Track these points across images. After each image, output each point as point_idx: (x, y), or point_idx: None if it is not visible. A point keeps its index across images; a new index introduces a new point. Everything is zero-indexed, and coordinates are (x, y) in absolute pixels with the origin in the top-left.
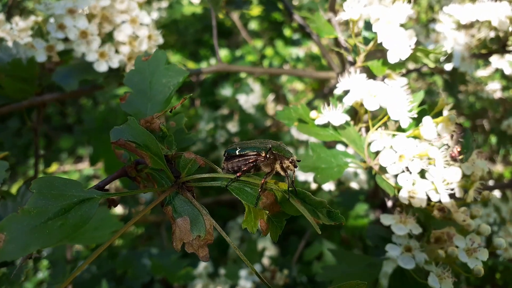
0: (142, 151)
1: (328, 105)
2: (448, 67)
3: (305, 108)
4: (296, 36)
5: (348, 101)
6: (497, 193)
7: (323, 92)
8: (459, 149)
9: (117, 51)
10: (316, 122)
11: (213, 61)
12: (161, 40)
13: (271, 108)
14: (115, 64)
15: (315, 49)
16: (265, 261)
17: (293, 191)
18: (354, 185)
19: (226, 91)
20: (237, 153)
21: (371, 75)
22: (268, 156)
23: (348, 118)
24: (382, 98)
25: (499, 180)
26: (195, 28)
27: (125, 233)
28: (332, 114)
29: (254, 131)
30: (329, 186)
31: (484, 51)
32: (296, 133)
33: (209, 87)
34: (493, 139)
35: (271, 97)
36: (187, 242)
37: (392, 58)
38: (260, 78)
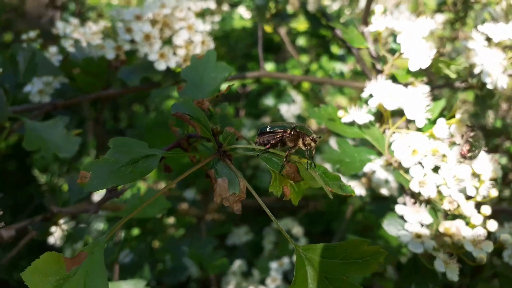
0: (194, 122)
1: (355, 106)
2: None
3: (334, 108)
4: (341, 52)
5: (372, 103)
6: None
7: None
8: (468, 148)
9: (174, 53)
10: (343, 120)
11: (260, 61)
12: (212, 45)
13: (314, 123)
14: (172, 64)
15: (359, 66)
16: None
17: (312, 164)
18: (384, 191)
19: (269, 100)
20: (268, 130)
21: (397, 83)
22: (292, 133)
23: (372, 118)
24: (399, 99)
25: None
26: (245, 42)
27: (166, 235)
28: (357, 114)
29: None
30: (360, 191)
31: None
32: (334, 144)
33: (254, 98)
34: None
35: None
36: (224, 197)
37: (412, 67)
38: (304, 93)
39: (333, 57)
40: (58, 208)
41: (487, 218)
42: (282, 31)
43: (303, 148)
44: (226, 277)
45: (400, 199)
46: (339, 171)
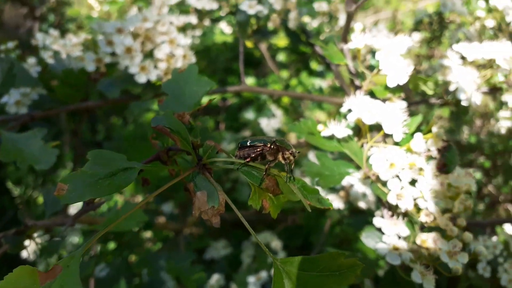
0: (174, 135)
1: (334, 120)
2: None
3: (314, 122)
4: (320, 68)
5: (351, 118)
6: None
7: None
8: (443, 162)
9: (155, 67)
10: (322, 134)
11: (241, 76)
12: (193, 59)
13: (293, 137)
14: (153, 77)
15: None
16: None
17: (292, 177)
18: (362, 204)
19: (249, 114)
20: (248, 144)
21: (376, 99)
22: (272, 146)
23: (350, 132)
24: (377, 114)
25: None
26: (225, 56)
27: (143, 249)
28: (336, 128)
29: None
30: (338, 205)
31: (490, 87)
32: (313, 158)
33: (234, 112)
34: None
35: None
36: (203, 211)
37: (391, 83)
38: (284, 107)
39: (312, 73)
40: (32, 221)
41: (462, 230)
42: (263, 46)
43: (283, 161)
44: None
45: (377, 212)
46: (319, 184)
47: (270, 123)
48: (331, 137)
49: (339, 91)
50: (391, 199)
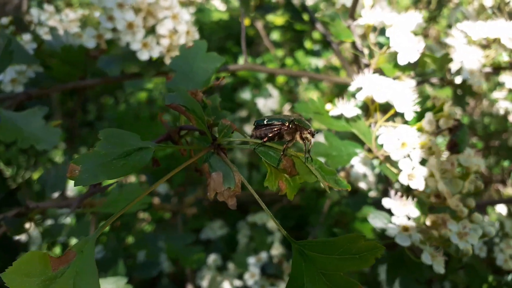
0: (190, 114)
1: (343, 99)
2: (458, 79)
3: (321, 101)
4: (316, 47)
5: (360, 96)
6: (503, 210)
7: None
8: (454, 141)
9: (158, 43)
10: (330, 114)
11: (243, 55)
12: (197, 36)
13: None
14: (155, 54)
15: (334, 61)
16: (274, 251)
17: (309, 158)
18: (362, 185)
19: (245, 94)
20: (264, 123)
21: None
22: (290, 126)
23: (359, 111)
24: (389, 92)
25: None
26: (219, 35)
27: (139, 229)
28: (345, 107)
29: None
30: None
31: (493, 66)
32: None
33: (229, 92)
34: (506, 163)
35: (287, 106)
36: (219, 192)
37: (401, 61)
38: (279, 87)
39: (307, 52)
40: (34, 203)
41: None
42: (259, 25)
43: (301, 141)
44: (200, 271)
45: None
46: (326, 164)
47: (267, 103)
48: (339, 117)
49: (335, 70)
50: (403, 179)
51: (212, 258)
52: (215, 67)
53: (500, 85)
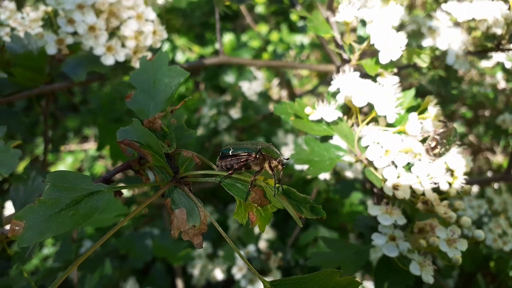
0: (144, 150)
1: (323, 101)
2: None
3: (301, 104)
4: (301, 23)
5: (340, 99)
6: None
7: (328, 79)
8: (433, 145)
9: (123, 45)
10: (310, 118)
11: (218, 45)
12: (165, 36)
13: (275, 92)
14: (121, 58)
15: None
16: (262, 244)
17: (279, 188)
18: (349, 174)
19: (229, 77)
20: (230, 153)
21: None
22: (257, 156)
23: (340, 114)
24: (369, 95)
25: (498, 171)
26: (201, 10)
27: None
28: (325, 110)
29: (256, 117)
30: (324, 175)
31: (479, 49)
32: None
33: (214, 70)
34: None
35: (275, 81)
36: (183, 231)
37: (383, 59)
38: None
39: (293, 28)
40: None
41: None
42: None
43: (270, 171)
44: (190, 261)
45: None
46: (309, 171)
47: (252, 87)
48: (320, 120)
49: (320, 48)
50: (387, 190)
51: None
52: (179, 82)
53: (488, 57)
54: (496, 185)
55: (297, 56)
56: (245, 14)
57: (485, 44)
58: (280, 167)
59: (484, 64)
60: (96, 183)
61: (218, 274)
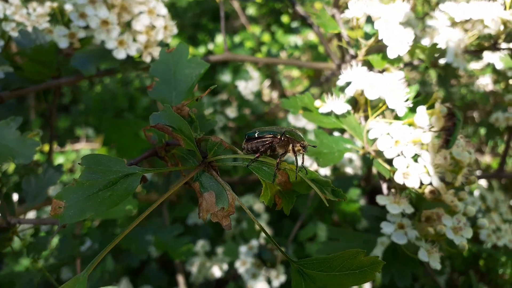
0: (177, 134)
1: (332, 95)
2: (441, 61)
3: (310, 98)
4: (295, 24)
5: (350, 92)
6: (483, 183)
7: (320, 81)
8: (446, 137)
9: (134, 40)
10: (320, 111)
11: (211, 46)
12: (175, 31)
13: (266, 94)
14: (133, 52)
15: (311, 37)
16: (262, 241)
17: (304, 171)
18: (349, 170)
19: (225, 77)
20: (256, 135)
21: (371, 68)
22: (282, 138)
23: (349, 107)
24: (381, 89)
25: (487, 171)
26: (193, 11)
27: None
28: (335, 104)
29: (251, 117)
30: (325, 171)
31: (476, 48)
32: (293, 120)
33: (208, 71)
34: (482, 131)
35: (266, 83)
36: (212, 213)
37: (391, 54)
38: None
39: (284, 26)
40: (15, 219)
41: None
42: (235, 2)
43: (293, 154)
44: (189, 258)
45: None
46: (318, 163)
47: (248, 86)
48: (329, 113)
49: (314, 49)
50: (398, 178)
51: (200, 244)
52: (199, 73)
53: (480, 57)
54: (484, 183)
55: (289, 57)
56: (240, 14)
57: (482, 43)
58: (302, 150)
59: (473, 66)
60: None
61: (216, 272)
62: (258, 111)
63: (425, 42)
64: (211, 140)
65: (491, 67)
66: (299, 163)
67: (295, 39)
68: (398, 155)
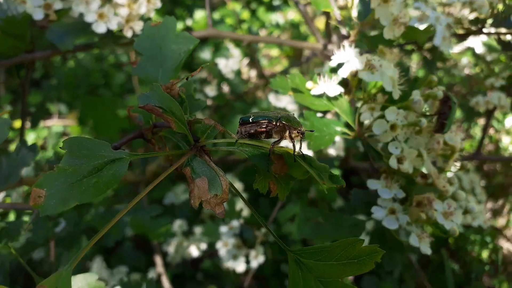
0: (168, 116)
1: (324, 76)
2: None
3: (302, 78)
4: (276, 2)
5: (344, 73)
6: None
7: (300, 61)
8: (442, 122)
9: (115, 13)
10: (312, 93)
11: (189, 21)
12: (159, 4)
13: (245, 72)
14: (113, 26)
15: (291, 16)
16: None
17: (301, 156)
18: (332, 151)
19: (205, 54)
20: (251, 120)
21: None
22: (278, 124)
23: (342, 89)
24: (378, 70)
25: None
26: None
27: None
28: (328, 85)
29: (230, 96)
30: (307, 152)
31: (463, 31)
32: (274, 100)
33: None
34: (457, 113)
35: (245, 61)
36: (205, 200)
37: (387, 34)
38: (237, 42)
39: (264, 3)
40: None
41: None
42: None
43: (289, 140)
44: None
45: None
46: (309, 146)
47: (229, 64)
48: (320, 95)
49: (296, 28)
50: (393, 163)
51: (178, 224)
52: (188, 49)
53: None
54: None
55: (269, 35)
56: None
57: (468, 27)
58: (299, 137)
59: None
60: None
61: (194, 251)
62: (238, 91)
63: (413, 22)
64: (204, 122)
65: (470, 51)
66: (297, 148)
67: (276, 17)
68: (393, 140)
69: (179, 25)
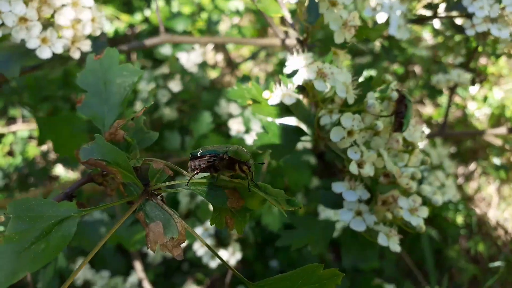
0: (112, 168)
1: (280, 84)
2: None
3: (258, 88)
4: None
5: (298, 81)
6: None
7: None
8: (400, 121)
9: (59, 36)
10: (269, 103)
11: (147, 12)
12: (104, 22)
13: (211, 57)
14: (58, 49)
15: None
16: None
17: (255, 185)
18: (299, 145)
19: (165, 49)
20: (199, 155)
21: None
22: (225, 157)
23: (299, 97)
24: (330, 78)
25: (429, 122)
26: None
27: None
28: (284, 94)
29: (197, 88)
30: None
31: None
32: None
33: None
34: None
35: (210, 46)
36: (161, 244)
37: (338, 39)
38: (200, 29)
39: None
40: None
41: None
42: None
43: (241, 173)
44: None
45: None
46: (272, 156)
47: (191, 58)
48: (279, 104)
49: (257, 13)
50: (353, 169)
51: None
52: (133, 81)
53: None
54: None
55: (230, 20)
56: None
57: (422, 14)
58: (248, 170)
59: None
60: (58, 200)
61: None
62: (203, 84)
63: (367, 13)
64: (152, 167)
65: (430, 25)
66: (249, 179)
67: (236, 4)
68: (352, 145)
69: (138, 16)
